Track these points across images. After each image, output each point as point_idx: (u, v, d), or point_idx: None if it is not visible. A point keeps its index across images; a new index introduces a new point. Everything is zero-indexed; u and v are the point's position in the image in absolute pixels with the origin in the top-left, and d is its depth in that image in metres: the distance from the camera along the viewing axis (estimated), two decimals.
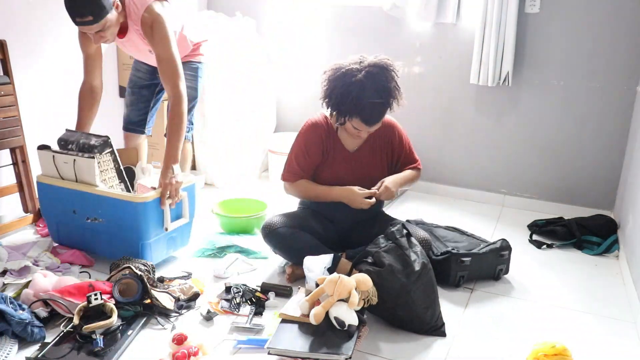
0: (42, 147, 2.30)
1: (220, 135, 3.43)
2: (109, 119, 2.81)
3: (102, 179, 2.24)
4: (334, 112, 2.14)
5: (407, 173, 2.34)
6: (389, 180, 2.23)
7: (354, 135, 2.19)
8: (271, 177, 3.64)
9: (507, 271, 2.35)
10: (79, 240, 2.31)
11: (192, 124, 2.69)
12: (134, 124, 2.65)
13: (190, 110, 2.56)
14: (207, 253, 2.45)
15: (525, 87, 3.15)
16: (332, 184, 2.25)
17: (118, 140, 2.64)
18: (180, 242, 2.39)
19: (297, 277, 2.21)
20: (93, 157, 2.17)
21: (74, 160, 2.19)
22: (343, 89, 2.06)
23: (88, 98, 2.43)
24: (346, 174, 2.26)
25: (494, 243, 2.33)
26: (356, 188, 2.20)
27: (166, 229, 2.23)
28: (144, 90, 2.62)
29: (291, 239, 2.17)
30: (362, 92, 2.03)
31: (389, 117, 2.28)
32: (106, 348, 1.67)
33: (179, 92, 2.22)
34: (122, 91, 3.19)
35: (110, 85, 3.10)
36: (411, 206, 3.24)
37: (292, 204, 2.46)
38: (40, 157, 2.29)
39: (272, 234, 2.21)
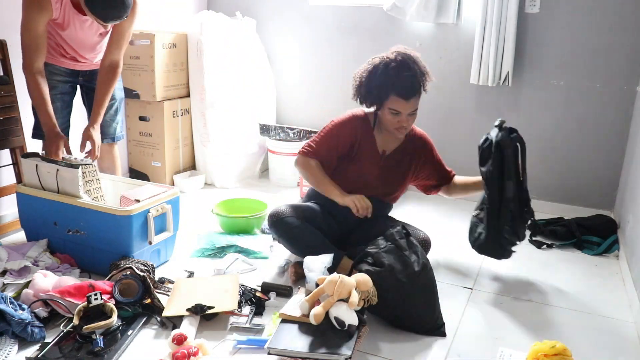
0: (28, 155, 2.24)
1: (220, 135, 3.43)
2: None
3: (87, 189, 2.20)
4: (369, 102, 2.18)
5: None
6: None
7: (394, 125, 2.16)
8: (271, 177, 3.64)
9: None
10: (60, 253, 2.24)
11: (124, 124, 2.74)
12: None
13: (118, 109, 2.59)
14: (207, 253, 2.45)
15: (525, 87, 3.15)
16: (357, 181, 2.26)
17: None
18: (164, 255, 2.36)
19: (300, 276, 2.18)
20: (77, 168, 2.13)
21: (57, 170, 2.14)
22: (373, 72, 2.13)
23: (43, 83, 2.24)
24: (371, 174, 2.27)
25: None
26: (360, 197, 2.16)
27: (150, 243, 2.20)
28: (66, 96, 2.47)
29: (298, 230, 2.15)
30: (392, 68, 2.09)
31: (420, 129, 2.34)
32: (106, 348, 1.67)
33: (120, 60, 2.42)
34: None
35: None
36: (411, 206, 3.23)
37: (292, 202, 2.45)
38: (24, 166, 2.25)
39: (280, 223, 2.18)
